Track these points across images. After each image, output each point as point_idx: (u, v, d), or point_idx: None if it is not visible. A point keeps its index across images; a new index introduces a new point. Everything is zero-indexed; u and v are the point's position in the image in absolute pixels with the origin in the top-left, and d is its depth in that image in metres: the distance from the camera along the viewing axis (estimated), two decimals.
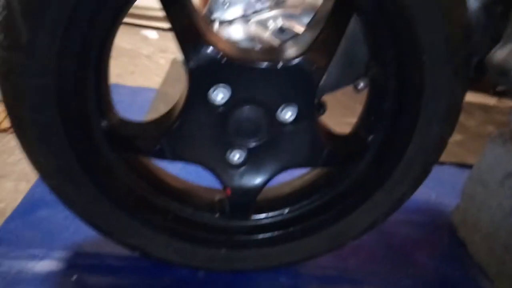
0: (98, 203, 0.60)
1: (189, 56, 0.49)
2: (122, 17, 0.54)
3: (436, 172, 0.68)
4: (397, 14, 0.53)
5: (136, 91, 1.44)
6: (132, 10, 0.54)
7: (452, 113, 0.62)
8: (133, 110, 1.31)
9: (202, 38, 0.48)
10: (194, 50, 0.49)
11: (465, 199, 0.98)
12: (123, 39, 1.96)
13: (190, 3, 0.51)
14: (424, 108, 0.59)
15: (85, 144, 0.57)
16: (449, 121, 0.62)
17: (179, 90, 0.56)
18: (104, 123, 0.59)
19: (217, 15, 0.69)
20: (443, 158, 0.66)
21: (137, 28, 2.13)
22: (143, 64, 1.76)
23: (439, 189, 1.15)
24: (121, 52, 1.80)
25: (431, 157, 0.65)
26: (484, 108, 2.08)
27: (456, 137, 1.66)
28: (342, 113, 1.48)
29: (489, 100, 2.15)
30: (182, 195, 0.70)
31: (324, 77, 0.66)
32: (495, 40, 0.60)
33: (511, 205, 0.83)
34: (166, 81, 1.58)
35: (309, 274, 0.77)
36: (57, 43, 0.48)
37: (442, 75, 0.57)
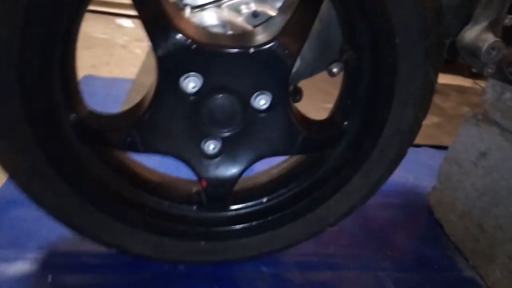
0: (71, 201, 0.58)
1: (158, 44, 0.47)
2: (86, 5, 0.52)
3: (414, 154, 0.69)
4: None
5: (112, 82, 1.40)
6: None
7: (426, 95, 0.62)
8: (108, 102, 1.27)
9: (170, 25, 0.46)
10: (162, 38, 0.47)
11: (441, 180, 1.00)
12: (97, 29, 1.90)
13: None
14: (398, 91, 0.59)
15: (53, 140, 0.55)
16: (423, 103, 0.63)
17: None
18: (72, 117, 0.57)
19: (189, 0, 0.67)
20: (420, 140, 0.67)
21: (111, 17, 2.07)
22: (119, 54, 1.71)
23: (416, 171, 1.17)
24: (95, 42, 1.75)
25: (407, 139, 0.66)
26: (460, 89, 2.13)
27: (433, 119, 1.70)
28: (321, 98, 1.49)
29: (465, 82, 2.19)
30: (159, 188, 0.69)
31: (299, 62, 0.65)
32: (466, 21, 0.61)
33: (485, 184, 0.86)
34: (143, 71, 1.54)
35: (290, 262, 0.77)
36: (17, 35, 0.45)
37: (415, 57, 0.57)
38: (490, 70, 0.51)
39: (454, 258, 0.88)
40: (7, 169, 0.56)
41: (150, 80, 0.53)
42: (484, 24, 0.50)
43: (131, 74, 1.48)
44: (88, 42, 1.69)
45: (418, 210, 1.03)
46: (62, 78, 0.54)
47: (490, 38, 0.49)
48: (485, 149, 0.87)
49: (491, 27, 0.50)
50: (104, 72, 1.50)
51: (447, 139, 1.42)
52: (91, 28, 1.89)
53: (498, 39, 0.49)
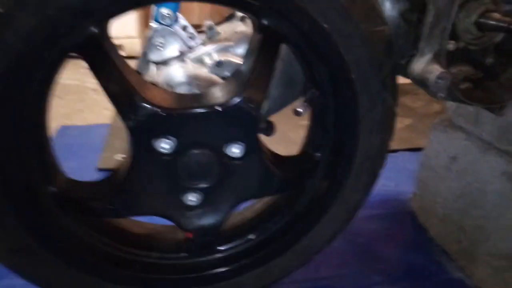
0: (62, 272, 0.59)
1: (127, 117, 0.49)
2: (55, 81, 0.53)
3: (391, 160, 0.71)
4: (321, 41, 0.56)
5: (87, 130, 1.41)
6: None
7: (387, 119, 0.66)
8: (86, 152, 1.27)
9: (137, 97, 0.48)
10: (130, 110, 0.49)
11: (419, 186, 1.04)
12: (66, 75, 1.88)
13: (120, 61, 0.51)
14: (362, 120, 0.63)
15: (33, 214, 0.56)
16: (387, 127, 0.66)
17: None
18: (52, 189, 0.58)
19: (153, 57, 0.69)
20: (395, 145, 0.68)
21: (79, 61, 2.06)
22: (91, 99, 1.71)
23: (396, 177, 1.20)
24: (66, 89, 1.75)
25: (377, 162, 0.69)
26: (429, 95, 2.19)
27: (404, 121, 1.75)
28: (297, 117, 1.52)
29: None
30: (147, 241, 0.70)
31: (266, 101, 0.68)
32: (417, 44, 0.65)
33: (459, 187, 0.90)
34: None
35: None
36: None
37: (372, 88, 0.60)
38: (441, 95, 0.55)
39: (441, 262, 0.91)
40: None
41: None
42: (429, 56, 0.54)
43: (105, 119, 1.49)
44: (59, 90, 1.68)
45: (402, 217, 1.06)
46: (37, 154, 0.55)
47: (436, 69, 0.53)
48: (455, 153, 0.91)
49: (436, 58, 0.54)
50: (79, 119, 1.50)
51: (421, 140, 1.47)
52: (61, 75, 1.88)
53: (443, 70, 0.53)
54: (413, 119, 1.71)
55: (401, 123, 1.65)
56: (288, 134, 1.42)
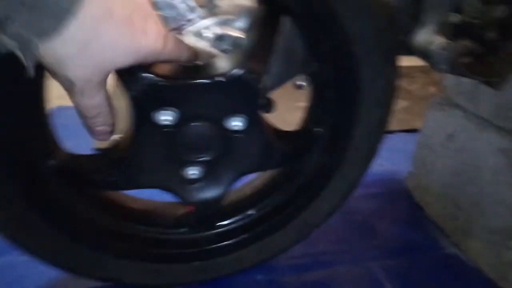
0: (61, 245, 0.59)
1: (128, 86, 0.48)
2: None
3: (388, 141, 0.71)
4: (323, 12, 0.55)
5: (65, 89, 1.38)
6: None
7: (389, 94, 0.65)
8: (82, 132, 1.26)
9: (139, 67, 0.47)
10: (132, 80, 0.48)
11: (416, 165, 1.05)
12: None
13: None
14: (362, 95, 0.63)
15: (35, 188, 0.55)
16: (387, 103, 0.66)
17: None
18: (52, 162, 0.57)
19: None
20: (392, 126, 0.69)
21: None
22: None
23: (392, 158, 1.21)
24: None
25: (377, 137, 0.69)
26: (424, 70, 2.19)
27: (401, 103, 1.75)
28: (293, 98, 1.52)
29: None
30: (146, 216, 0.70)
31: (266, 76, 0.67)
32: (418, 18, 0.64)
33: (455, 164, 0.90)
34: (113, 95, 1.52)
35: (284, 266, 0.80)
36: None
37: (374, 62, 0.60)
38: (443, 67, 0.55)
39: (437, 238, 0.92)
40: None
41: (123, 102, 0.52)
42: (432, 26, 0.54)
43: None
44: None
45: (398, 196, 1.07)
46: (36, 128, 0.55)
47: (439, 40, 0.52)
48: (452, 131, 0.92)
49: (439, 29, 0.53)
50: None
51: (417, 121, 1.47)
52: None
53: (446, 40, 0.52)
54: (410, 102, 1.72)
55: (398, 105, 1.66)
56: (285, 115, 1.41)
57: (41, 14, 0.32)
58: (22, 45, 0.33)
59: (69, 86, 0.41)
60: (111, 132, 0.49)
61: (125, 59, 0.41)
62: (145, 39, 0.41)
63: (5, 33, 0.31)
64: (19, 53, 0.33)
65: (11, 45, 0.32)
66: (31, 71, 0.33)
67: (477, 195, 0.85)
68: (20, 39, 0.32)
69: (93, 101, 0.44)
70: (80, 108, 0.45)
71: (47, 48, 0.35)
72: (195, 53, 0.56)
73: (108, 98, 0.46)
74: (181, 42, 0.50)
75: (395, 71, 0.64)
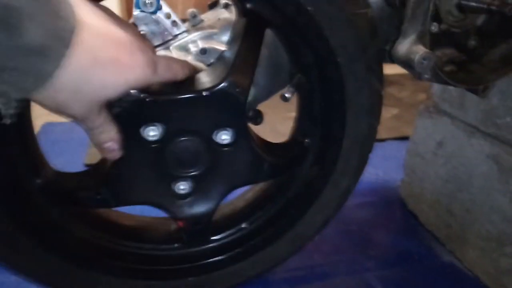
0: (52, 264, 0.58)
1: (112, 104, 0.48)
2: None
3: (379, 149, 0.72)
4: (305, 24, 0.56)
5: (72, 126, 1.38)
6: None
7: (374, 103, 0.66)
8: (72, 148, 1.26)
9: None
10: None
11: (407, 173, 1.05)
12: None
13: None
14: (349, 105, 0.63)
15: (21, 207, 0.55)
16: (374, 111, 0.67)
17: None
18: (38, 181, 0.57)
19: None
20: (383, 134, 0.69)
21: None
22: None
23: (384, 166, 1.22)
24: None
25: (366, 147, 0.69)
26: (413, 77, 2.23)
27: (391, 111, 1.77)
28: (284, 108, 1.53)
29: None
30: (138, 232, 0.69)
31: (254, 89, 0.68)
32: (400, 27, 0.65)
33: (447, 172, 0.91)
34: None
35: (279, 279, 0.79)
36: None
37: (358, 72, 0.61)
38: (426, 76, 0.55)
39: (431, 246, 0.92)
40: None
41: None
42: (412, 37, 0.55)
43: None
44: None
45: (391, 204, 1.07)
46: (22, 147, 0.55)
47: (420, 50, 0.53)
48: (441, 138, 0.92)
49: (420, 39, 0.54)
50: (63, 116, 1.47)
51: (408, 129, 1.48)
52: None
53: (427, 50, 0.53)
54: (400, 109, 1.73)
55: (388, 112, 1.67)
56: (276, 125, 1.42)
57: (24, 76, 0.34)
58: (4, 99, 0.34)
59: (70, 117, 0.44)
60: (119, 149, 0.50)
61: (115, 92, 0.44)
62: (133, 72, 0.43)
63: None
64: (1, 107, 0.34)
65: None
66: (8, 120, 0.35)
67: (470, 202, 0.85)
68: (3, 97, 0.34)
69: (95, 123, 0.46)
70: (85, 130, 0.48)
71: (41, 96, 0.37)
72: (193, 68, 0.57)
73: (108, 115, 0.47)
74: (174, 62, 0.52)
75: (379, 80, 0.65)
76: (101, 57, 0.39)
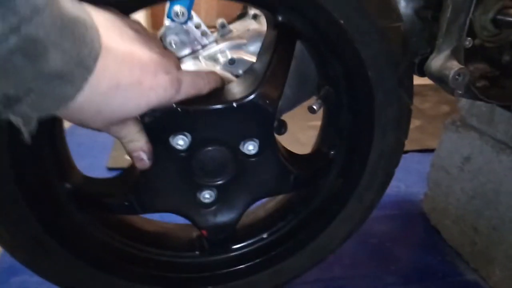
0: (74, 267, 0.59)
1: (143, 113, 0.49)
2: None
3: (402, 161, 0.71)
4: (336, 37, 0.55)
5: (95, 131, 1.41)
6: None
7: (403, 118, 0.65)
8: (95, 151, 1.28)
9: None
10: None
11: (431, 187, 1.03)
12: None
13: None
14: (377, 118, 0.62)
15: (50, 211, 0.56)
16: (402, 126, 0.66)
17: None
18: (67, 185, 0.58)
19: None
20: (406, 147, 0.68)
21: None
22: None
23: (407, 178, 1.20)
24: None
25: (392, 161, 0.68)
26: (436, 88, 2.19)
27: (414, 122, 1.74)
28: (305, 117, 1.53)
29: None
30: (160, 239, 0.70)
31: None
32: (430, 41, 0.64)
33: (473, 188, 0.89)
34: None
35: None
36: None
37: (388, 87, 0.60)
38: (459, 92, 0.54)
39: (455, 263, 0.90)
40: (5, 246, 0.56)
41: None
42: (447, 52, 0.54)
43: None
44: None
45: (414, 218, 1.05)
46: (52, 151, 0.56)
47: (454, 65, 0.52)
48: (468, 154, 0.90)
49: (454, 54, 0.53)
50: None
51: (431, 141, 1.46)
52: None
53: (462, 66, 0.52)
54: (422, 121, 1.71)
55: (411, 124, 1.65)
56: (297, 135, 1.41)
57: (44, 98, 0.34)
58: (25, 121, 0.34)
59: (95, 130, 0.44)
60: (149, 158, 0.51)
61: (137, 112, 0.44)
62: (155, 94, 0.43)
63: (13, 112, 0.33)
64: (21, 126, 0.34)
65: (14, 120, 0.34)
66: (29, 140, 0.35)
67: (497, 220, 0.83)
68: (24, 117, 0.34)
69: (121, 134, 0.47)
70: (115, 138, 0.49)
71: (62, 114, 0.38)
72: (221, 79, 0.57)
73: (137, 125, 0.48)
74: (199, 78, 0.51)
75: (409, 95, 0.64)
76: (123, 81, 0.39)
